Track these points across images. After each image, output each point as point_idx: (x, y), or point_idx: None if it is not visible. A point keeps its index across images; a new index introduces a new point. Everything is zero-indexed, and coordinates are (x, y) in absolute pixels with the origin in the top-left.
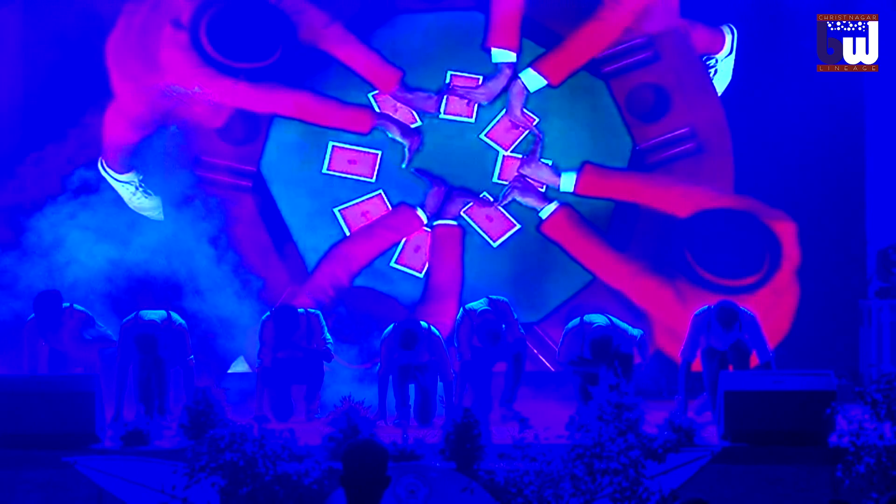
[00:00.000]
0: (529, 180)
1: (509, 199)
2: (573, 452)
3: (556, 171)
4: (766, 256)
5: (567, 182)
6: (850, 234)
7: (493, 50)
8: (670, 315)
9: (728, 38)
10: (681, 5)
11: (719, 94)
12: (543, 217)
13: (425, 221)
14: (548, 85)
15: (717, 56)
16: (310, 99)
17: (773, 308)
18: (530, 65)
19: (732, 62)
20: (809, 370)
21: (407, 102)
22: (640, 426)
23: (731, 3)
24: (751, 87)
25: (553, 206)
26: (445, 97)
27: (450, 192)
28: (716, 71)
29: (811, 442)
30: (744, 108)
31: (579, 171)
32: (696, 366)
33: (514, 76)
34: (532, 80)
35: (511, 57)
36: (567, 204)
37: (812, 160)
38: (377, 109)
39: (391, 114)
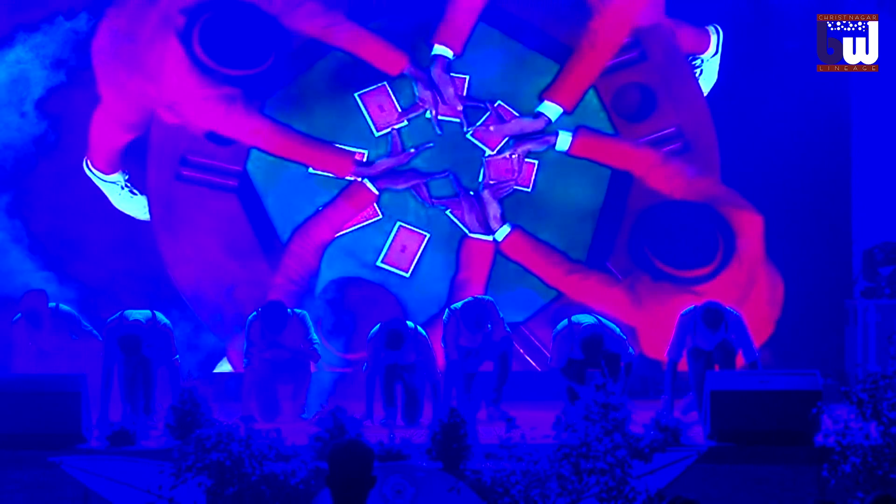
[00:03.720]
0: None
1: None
2: (560, 452)
3: (548, 132)
4: (718, 247)
5: (563, 141)
6: (835, 234)
7: (435, 45)
8: (628, 317)
9: (713, 38)
10: (666, 5)
11: (705, 95)
12: (499, 239)
13: (375, 194)
14: (564, 112)
15: (703, 56)
16: (294, 141)
17: (742, 302)
18: (544, 96)
19: (718, 62)
20: (795, 370)
21: (420, 80)
22: (627, 426)
23: (717, 3)
24: (737, 87)
25: (507, 229)
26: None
27: (472, 201)
28: (701, 71)
29: (797, 442)
30: (730, 108)
31: (575, 132)
32: (682, 366)
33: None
34: (551, 110)
35: (449, 54)
36: (519, 226)
37: (798, 160)
38: (363, 109)
39: (377, 112)
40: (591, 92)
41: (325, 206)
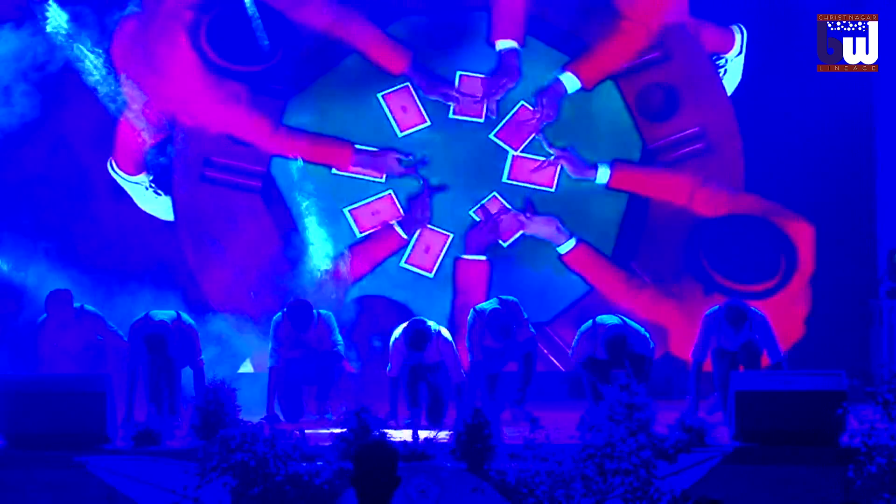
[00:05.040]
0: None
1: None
2: (584, 452)
3: (589, 163)
4: (781, 262)
5: (603, 174)
6: (860, 234)
7: (498, 42)
8: (681, 330)
9: (738, 37)
10: (690, 4)
11: (729, 94)
12: (563, 252)
13: (406, 238)
14: (581, 88)
15: (727, 56)
16: (293, 139)
17: (785, 314)
18: (567, 67)
19: (742, 62)
20: (820, 370)
21: (423, 88)
22: (651, 426)
23: (741, 2)
24: (761, 86)
25: (572, 243)
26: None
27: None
28: (725, 70)
29: (822, 442)
30: (754, 107)
31: (612, 165)
32: (707, 366)
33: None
34: (570, 81)
35: (515, 45)
36: (583, 240)
37: (822, 160)
38: (386, 109)
39: (400, 113)
40: (615, 91)
41: (352, 246)
